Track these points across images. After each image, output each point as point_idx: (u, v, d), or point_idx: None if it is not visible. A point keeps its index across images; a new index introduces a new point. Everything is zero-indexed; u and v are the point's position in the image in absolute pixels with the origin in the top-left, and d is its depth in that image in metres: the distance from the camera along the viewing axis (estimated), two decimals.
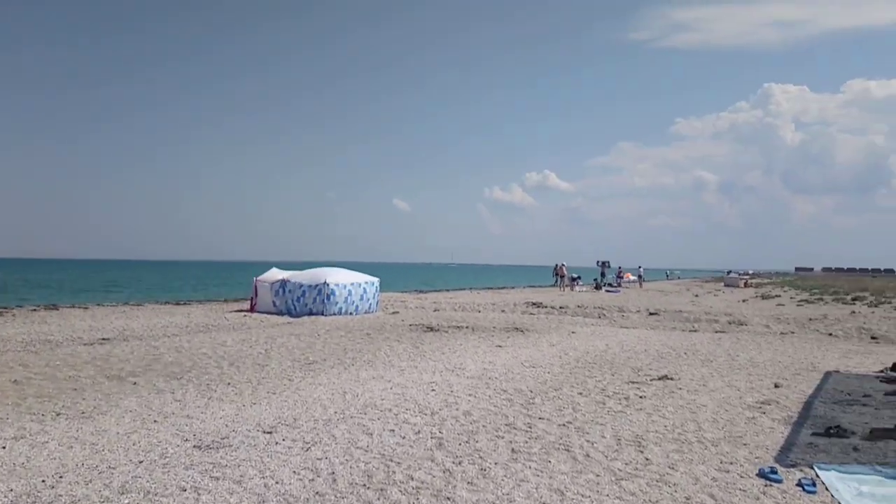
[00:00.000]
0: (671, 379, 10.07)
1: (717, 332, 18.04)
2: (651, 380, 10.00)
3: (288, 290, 21.52)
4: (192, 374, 10.00)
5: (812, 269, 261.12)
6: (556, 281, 43.30)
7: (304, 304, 21.16)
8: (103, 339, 14.51)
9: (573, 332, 16.77)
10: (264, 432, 6.58)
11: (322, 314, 20.68)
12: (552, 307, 25.29)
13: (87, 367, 10.36)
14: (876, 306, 27.53)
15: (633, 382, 9.76)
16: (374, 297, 22.78)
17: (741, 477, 5.48)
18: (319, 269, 23.14)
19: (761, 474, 5.55)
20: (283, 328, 16.99)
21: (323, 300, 20.94)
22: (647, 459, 5.90)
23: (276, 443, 6.21)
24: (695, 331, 18.27)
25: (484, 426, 7.02)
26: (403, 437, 6.50)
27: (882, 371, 11.32)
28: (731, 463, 5.87)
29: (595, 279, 45.80)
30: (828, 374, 10.92)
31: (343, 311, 21.29)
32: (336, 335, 15.43)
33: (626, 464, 5.76)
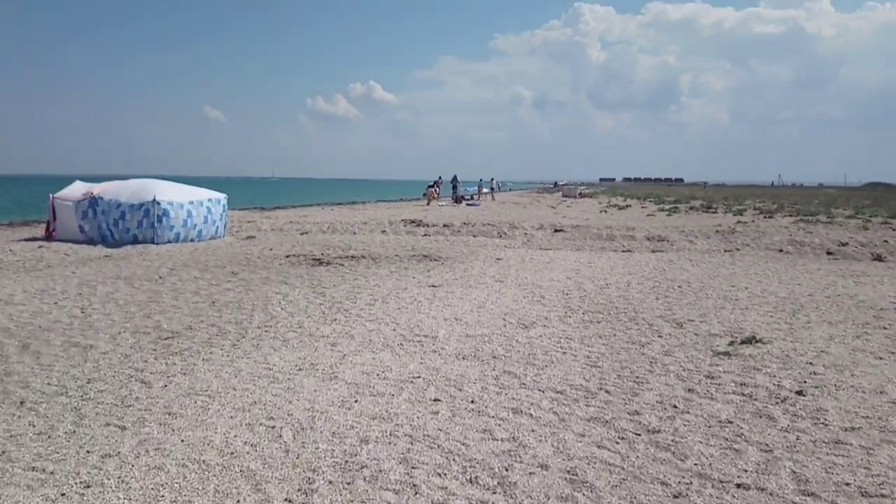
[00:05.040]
0: (764, 343, 6.86)
1: (653, 251, 15.80)
2: (737, 344, 6.79)
3: (101, 211, 15.83)
4: None
5: (614, 179, 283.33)
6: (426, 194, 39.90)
7: (126, 228, 15.71)
8: None
9: (499, 259, 13.49)
10: None
11: (152, 242, 15.46)
12: (433, 225, 21.85)
13: None
14: (769, 216, 27.41)
15: (723, 355, 6.46)
16: (221, 219, 17.73)
17: None
18: (143, 181, 17.50)
19: None
20: (100, 266, 11.83)
21: (152, 223, 15.64)
22: None
23: None
24: (629, 251, 15.88)
25: None
26: None
27: None
28: None
29: (453, 193, 43.02)
30: None
31: (181, 237, 16.17)
32: (188, 276, 10.74)
33: None
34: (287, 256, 13.46)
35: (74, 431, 4.27)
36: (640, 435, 4.42)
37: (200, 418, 4.51)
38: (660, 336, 7.23)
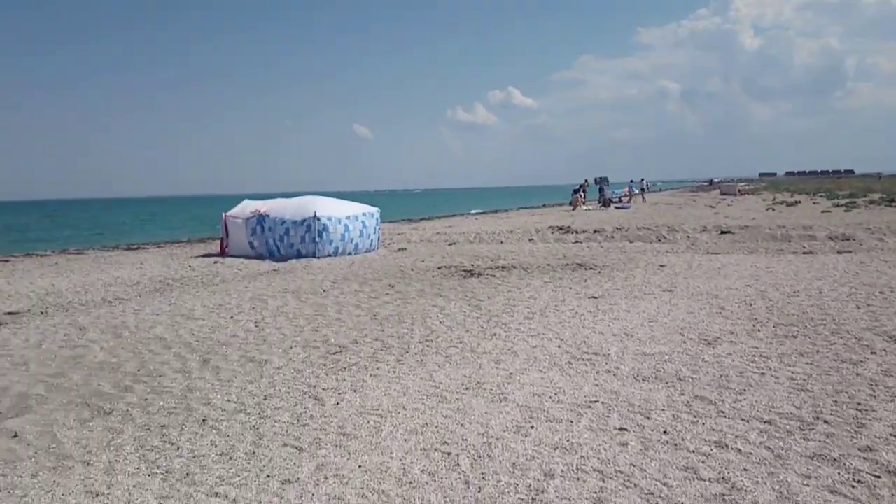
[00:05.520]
0: None
1: (839, 252, 14.07)
2: None
3: (267, 228, 16.82)
4: (129, 399, 5.51)
5: (775, 174, 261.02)
6: (572, 200, 38.95)
7: (290, 244, 16.54)
8: (9, 312, 9.85)
9: (663, 266, 12.58)
10: None
11: (314, 256, 16.14)
12: (583, 231, 21.08)
13: None
14: None
15: None
16: (374, 233, 18.20)
17: None
18: (304, 198, 18.37)
19: None
20: (270, 280, 12.45)
21: (314, 239, 16.33)
22: None
23: None
24: (810, 252, 14.26)
25: None
26: None
27: None
28: None
29: (601, 196, 41.66)
30: None
31: (340, 251, 16.74)
32: (349, 289, 10.97)
33: None
34: (439, 268, 13.44)
35: (254, 452, 4.26)
36: (879, 477, 3.65)
37: (375, 440, 4.35)
38: (873, 353, 6.19)
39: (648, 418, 4.62)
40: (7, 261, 19.31)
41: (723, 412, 4.73)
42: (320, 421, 4.79)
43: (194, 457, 4.25)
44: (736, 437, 4.27)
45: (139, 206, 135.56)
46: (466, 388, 5.42)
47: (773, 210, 30.58)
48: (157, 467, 4.09)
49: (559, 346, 6.75)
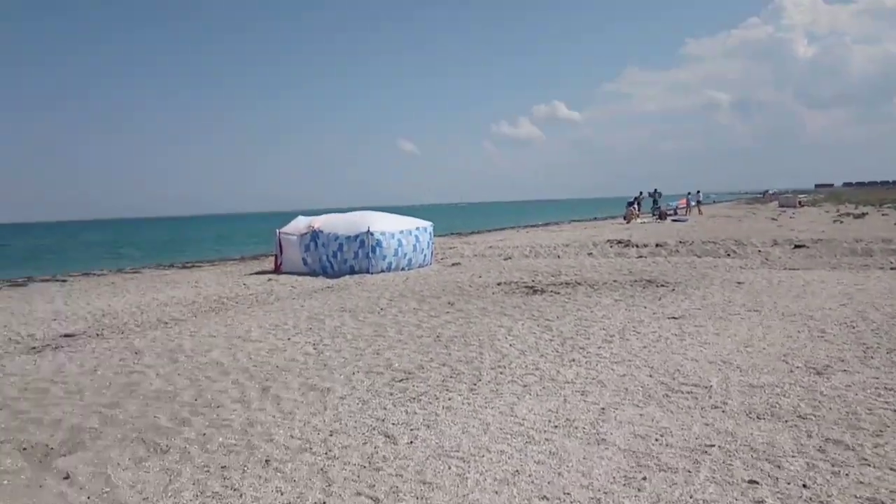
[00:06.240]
0: None
1: None
2: None
3: (321, 244, 16.56)
4: (186, 434, 5.09)
5: (832, 185, 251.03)
6: (626, 213, 37.87)
7: (343, 259, 16.24)
8: (66, 334, 9.69)
9: (740, 283, 11.72)
10: None
11: (367, 272, 15.77)
12: (644, 245, 20.19)
13: None
14: None
15: None
16: (428, 247, 17.77)
17: None
18: (357, 213, 18.08)
19: None
20: (325, 298, 12.08)
21: (367, 254, 15.97)
22: None
23: None
24: None
25: None
26: None
27: None
28: None
29: (656, 208, 40.44)
30: None
31: (393, 266, 16.34)
32: (407, 307, 10.49)
33: None
34: (498, 284, 12.86)
35: (324, 503, 3.76)
36: None
37: (461, 492, 3.79)
38: None
39: (779, 468, 3.94)
40: (65, 280, 19.57)
41: (865, 459, 4.02)
42: (394, 464, 4.27)
43: None
44: (891, 491, 3.57)
45: (205, 223, 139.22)
46: (555, 427, 4.82)
47: (841, 222, 29.03)
48: None
49: (650, 376, 6.08)
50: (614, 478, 3.92)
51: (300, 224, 17.45)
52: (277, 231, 17.71)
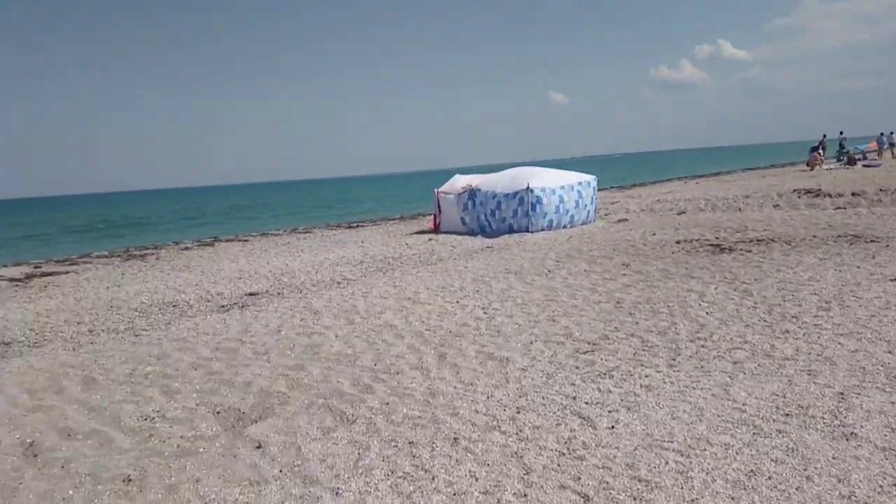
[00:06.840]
0: None
1: None
2: None
3: (479, 203, 16.24)
4: (370, 403, 4.94)
5: None
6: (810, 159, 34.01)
7: (502, 218, 15.82)
8: (250, 293, 10.20)
9: None
10: None
11: (527, 230, 15.25)
12: (839, 194, 17.76)
13: (147, 399, 5.68)
14: None
15: None
16: (591, 203, 16.86)
17: None
18: (516, 169, 17.50)
19: None
20: (487, 259, 11.76)
21: (527, 212, 15.41)
22: None
23: None
24: None
25: None
26: None
27: None
28: None
29: (844, 152, 35.86)
30: None
31: (554, 224, 15.67)
32: (576, 269, 9.86)
33: None
34: (677, 242, 11.80)
35: (526, 495, 3.37)
36: None
37: (687, 495, 3.23)
38: None
39: None
40: (247, 240, 21.02)
41: None
42: (598, 453, 3.78)
43: (454, 494, 3.47)
44: None
45: (369, 183, 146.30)
46: (786, 415, 4.07)
47: None
48: None
49: (890, 352, 5.06)
50: (881, 486, 3.16)
51: (457, 183, 17.24)
52: (435, 191, 17.65)
